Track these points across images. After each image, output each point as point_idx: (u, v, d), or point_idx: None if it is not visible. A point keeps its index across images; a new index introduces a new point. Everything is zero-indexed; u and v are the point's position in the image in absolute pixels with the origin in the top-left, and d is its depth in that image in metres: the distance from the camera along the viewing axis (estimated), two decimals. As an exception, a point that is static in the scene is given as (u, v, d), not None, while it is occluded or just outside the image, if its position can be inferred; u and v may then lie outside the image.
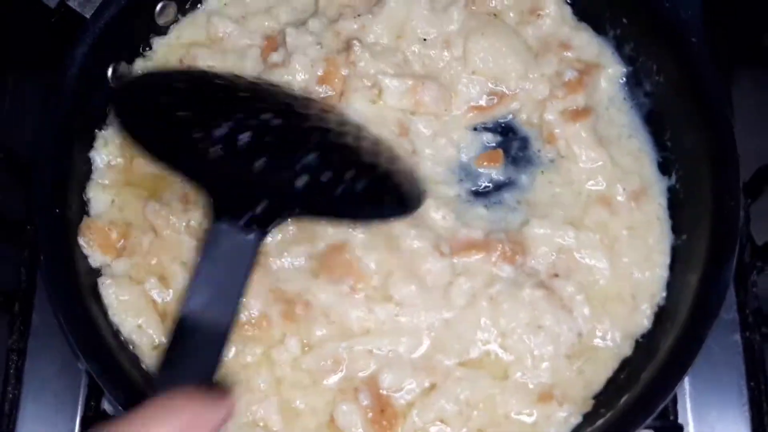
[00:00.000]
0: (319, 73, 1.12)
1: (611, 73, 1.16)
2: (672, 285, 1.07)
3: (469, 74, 1.13)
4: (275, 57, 1.14)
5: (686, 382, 1.12)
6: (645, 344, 1.04)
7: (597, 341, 1.03)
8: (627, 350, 1.04)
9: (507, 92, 1.14)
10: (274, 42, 1.16)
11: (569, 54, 1.16)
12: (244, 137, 0.87)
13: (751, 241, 1.18)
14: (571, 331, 1.03)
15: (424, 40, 1.14)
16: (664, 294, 1.07)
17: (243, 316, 1.03)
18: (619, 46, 1.17)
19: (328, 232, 1.05)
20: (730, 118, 1.07)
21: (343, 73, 1.11)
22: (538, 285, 1.04)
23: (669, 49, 1.11)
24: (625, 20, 1.15)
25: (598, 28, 1.18)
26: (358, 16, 1.14)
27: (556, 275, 1.05)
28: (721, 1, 1.33)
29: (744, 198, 1.13)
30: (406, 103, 1.11)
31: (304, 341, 1.02)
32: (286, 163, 0.88)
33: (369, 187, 0.91)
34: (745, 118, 1.26)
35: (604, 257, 1.07)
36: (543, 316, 1.02)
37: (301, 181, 0.86)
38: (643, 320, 1.05)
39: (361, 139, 1.02)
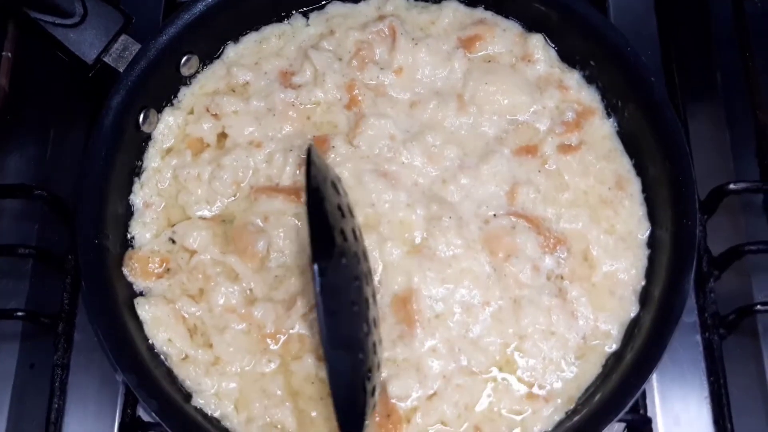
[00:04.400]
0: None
1: (605, 121, 1.25)
2: (640, 295, 1.16)
3: (491, 116, 1.24)
4: (297, 79, 1.25)
5: (654, 379, 1.18)
6: (617, 351, 1.12)
7: (596, 342, 1.12)
8: (616, 345, 1.12)
9: (521, 120, 1.24)
10: (287, 74, 1.27)
11: (570, 93, 1.26)
12: None
13: (708, 253, 1.23)
14: (578, 335, 1.12)
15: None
16: (643, 282, 1.15)
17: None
18: (588, 85, 1.27)
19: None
20: (687, 149, 1.15)
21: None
22: (556, 294, 1.13)
23: (631, 88, 1.20)
24: (592, 62, 1.26)
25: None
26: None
27: (562, 277, 1.15)
28: (677, 44, 1.43)
29: (701, 214, 1.21)
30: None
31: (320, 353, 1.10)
32: None
33: None
34: (700, 145, 1.33)
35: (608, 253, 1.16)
36: (558, 323, 1.12)
37: None
38: (631, 306, 1.14)
39: None
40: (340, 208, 1.04)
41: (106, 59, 1.21)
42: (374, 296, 1.07)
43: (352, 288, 1.01)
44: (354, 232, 1.06)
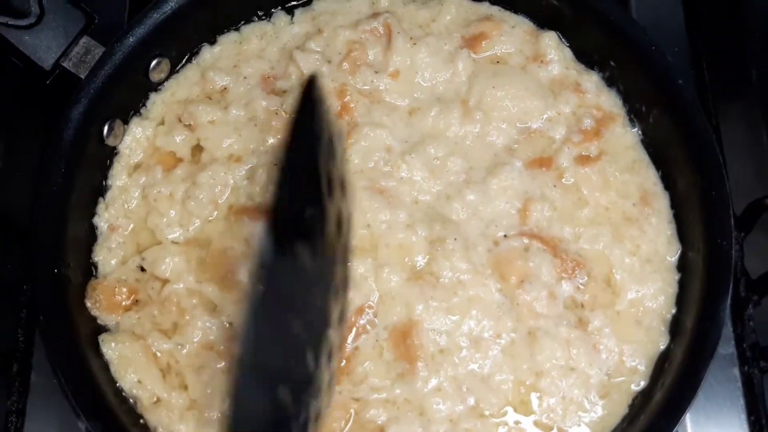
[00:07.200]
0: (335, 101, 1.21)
1: (628, 128, 1.22)
2: (670, 325, 1.11)
3: (499, 124, 1.21)
4: (281, 84, 1.24)
5: (687, 419, 1.15)
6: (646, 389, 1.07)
7: (622, 378, 1.08)
8: (644, 381, 1.08)
9: (533, 128, 1.21)
10: (269, 79, 1.25)
11: (587, 97, 1.24)
12: None
13: (746, 275, 1.22)
14: (601, 371, 1.08)
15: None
16: (674, 311, 1.11)
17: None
18: (608, 88, 1.24)
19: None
20: (720, 158, 1.12)
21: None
22: (575, 324, 1.10)
23: (657, 91, 1.18)
24: (612, 63, 1.22)
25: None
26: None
27: (582, 305, 1.11)
28: (707, 39, 1.41)
29: (737, 232, 1.18)
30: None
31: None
32: None
33: None
34: (735, 154, 1.31)
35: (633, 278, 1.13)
36: (578, 358, 1.08)
37: None
38: (660, 338, 1.10)
39: None
40: (329, 179, 0.86)
41: (65, 64, 1.18)
42: (341, 318, 0.91)
43: (311, 295, 0.82)
44: (340, 220, 0.89)
